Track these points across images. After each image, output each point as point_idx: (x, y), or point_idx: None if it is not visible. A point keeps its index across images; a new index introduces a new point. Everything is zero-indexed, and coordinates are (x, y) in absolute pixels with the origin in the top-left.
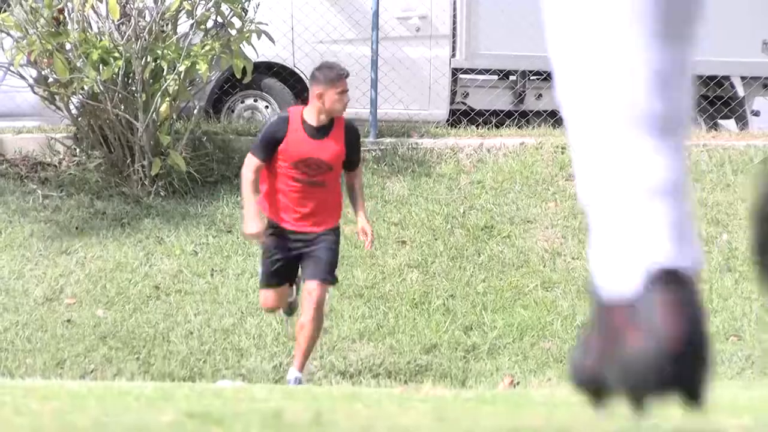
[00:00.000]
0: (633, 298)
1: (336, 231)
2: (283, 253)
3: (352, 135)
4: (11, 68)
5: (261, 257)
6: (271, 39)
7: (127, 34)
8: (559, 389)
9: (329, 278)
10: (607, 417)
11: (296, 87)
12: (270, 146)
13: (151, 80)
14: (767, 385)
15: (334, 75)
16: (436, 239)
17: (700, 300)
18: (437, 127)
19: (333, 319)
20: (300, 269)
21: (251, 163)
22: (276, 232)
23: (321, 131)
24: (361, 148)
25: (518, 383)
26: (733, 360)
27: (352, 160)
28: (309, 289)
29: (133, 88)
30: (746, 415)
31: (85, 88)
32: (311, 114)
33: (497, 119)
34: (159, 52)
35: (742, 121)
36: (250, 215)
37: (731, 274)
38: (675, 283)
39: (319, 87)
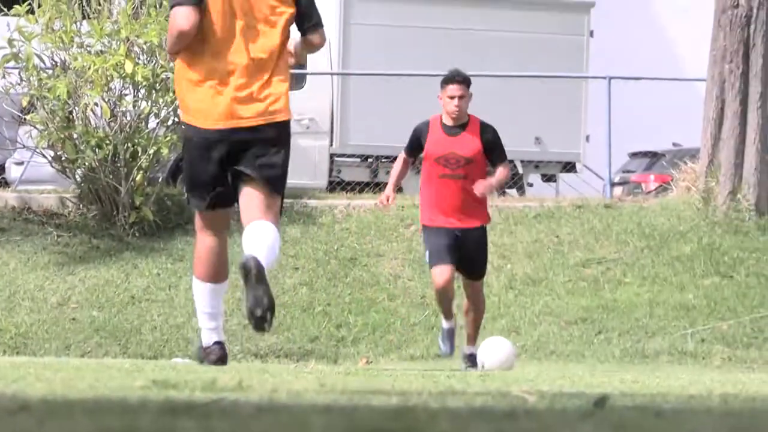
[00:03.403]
0: None
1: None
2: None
3: (488, 133)
4: (37, 150)
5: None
6: None
7: (114, 128)
8: (400, 366)
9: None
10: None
11: None
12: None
13: (130, 159)
14: (536, 365)
15: (444, 78)
16: (318, 266)
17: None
18: (320, 192)
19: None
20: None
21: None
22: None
23: (455, 129)
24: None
25: (371, 362)
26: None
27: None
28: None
29: (119, 165)
30: (525, 384)
31: (86, 164)
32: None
33: (360, 187)
34: (136, 140)
35: (520, 190)
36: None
37: (512, 291)
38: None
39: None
